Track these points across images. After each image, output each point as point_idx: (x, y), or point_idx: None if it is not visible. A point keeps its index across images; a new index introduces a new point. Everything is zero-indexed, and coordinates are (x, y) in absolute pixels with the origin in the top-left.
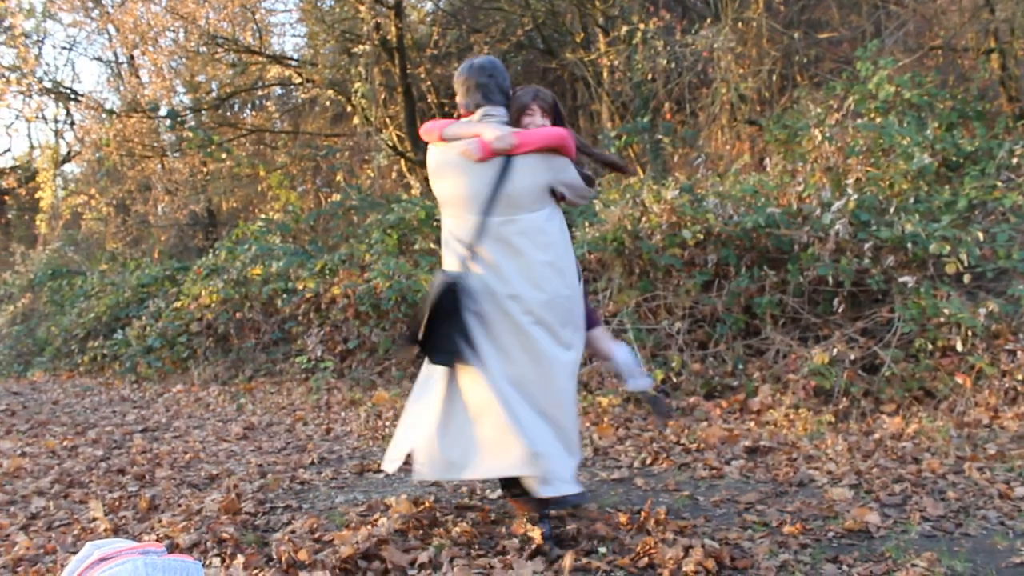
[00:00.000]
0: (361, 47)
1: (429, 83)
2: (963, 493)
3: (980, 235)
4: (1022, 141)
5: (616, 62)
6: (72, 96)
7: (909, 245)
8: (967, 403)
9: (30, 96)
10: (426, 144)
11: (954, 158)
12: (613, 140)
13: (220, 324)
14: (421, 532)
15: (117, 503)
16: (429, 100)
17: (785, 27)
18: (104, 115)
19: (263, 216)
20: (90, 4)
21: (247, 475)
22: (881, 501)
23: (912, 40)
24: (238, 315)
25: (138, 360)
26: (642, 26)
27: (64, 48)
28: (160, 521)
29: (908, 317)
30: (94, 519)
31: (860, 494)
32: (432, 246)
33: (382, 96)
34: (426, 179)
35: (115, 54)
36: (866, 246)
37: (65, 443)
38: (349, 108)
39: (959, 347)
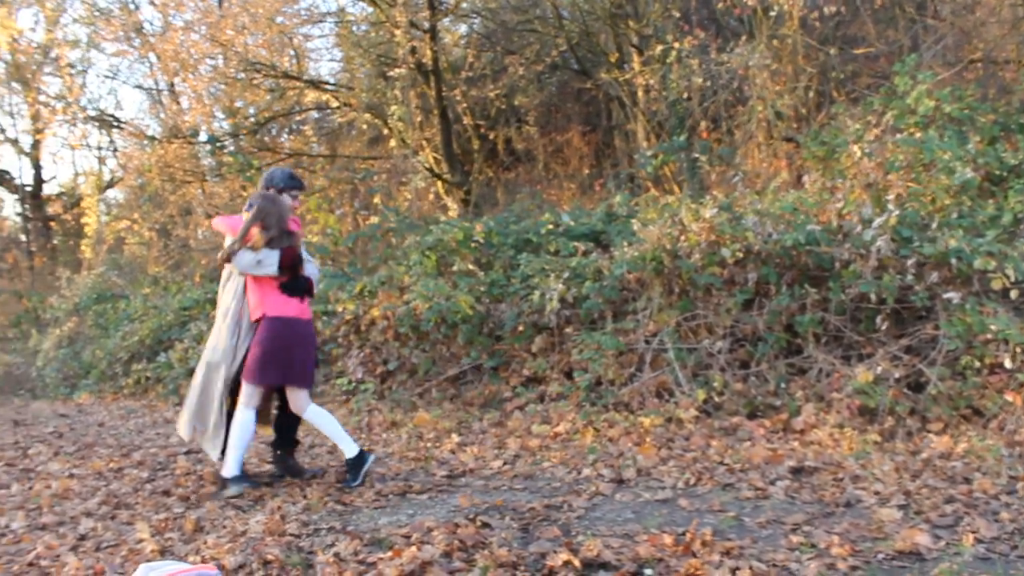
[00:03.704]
0: (397, 70)
1: (464, 105)
2: (1017, 514)
3: None
4: None
5: (651, 81)
6: (115, 124)
7: (953, 261)
8: (1018, 421)
9: (75, 124)
10: (462, 165)
11: (997, 172)
12: (649, 159)
13: None
14: (465, 554)
15: (163, 524)
16: (465, 122)
17: (820, 43)
18: (146, 142)
19: (302, 239)
20: (132, 34)
21: (290, 496)
22: (932, 522)
23: (951, 54)
24: None
25: (181, 382)
26: (676, 45)
27: (107, 77)
28: (206, 542)
29: (954, 334)
30: (141, 540)
31: (909, 515)
32: (470, 267)
33: (418, 119)
34: (463, 200)
35: (156, 82)
36: (909, 262)
37: (111, 465)
38: (386, 131)
39: (1008, 364)
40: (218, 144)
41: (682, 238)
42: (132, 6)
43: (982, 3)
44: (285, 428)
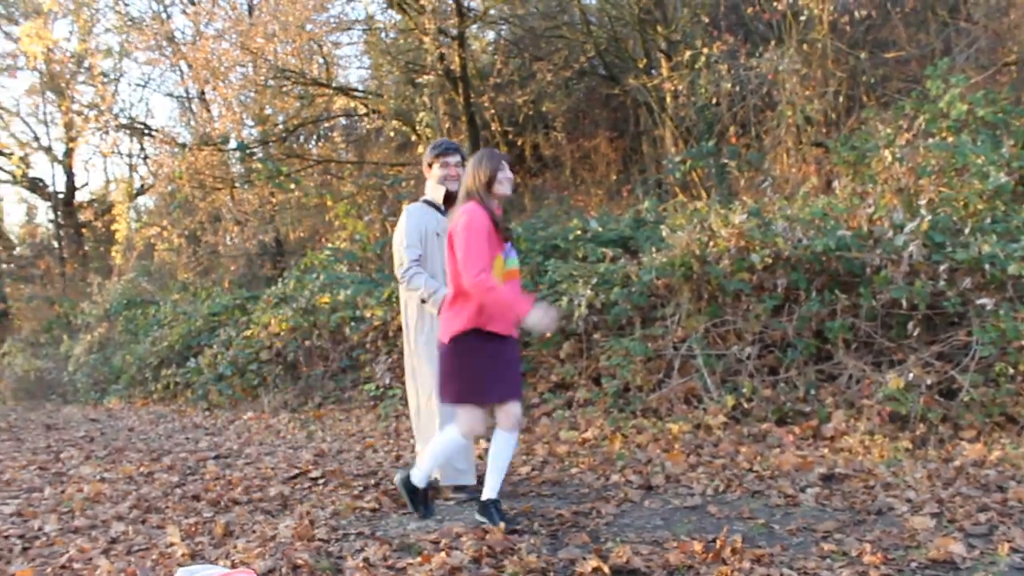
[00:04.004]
0: (425, 77)
1: (493, 111)
2: None
3: None
4: None
5: (679, 87)
6: (146, 131)
7: (987, 266)
8: None
9: (107, 132)
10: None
11: None
12: (678, 165)
13: (289, 352)
14: (494, 560)
15: (193, 528)
16: (493, 128)
17: (850, 47)
18: (176, 149)
19: (330, 245)
20: (164, 43)
21: (319, 502)
22: (965, 531)
23: (984, 57)
24: (307, 343)
25: (210, 388)
26: (705, 50)
27: (139, 85)
28: (235, 547)
29: (987, 340)
30: (171, 544)
31: (943, 523)
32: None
33: (446, 125)
34: None
35: (187, 90)
36: (941, 268)
37: (141, 469)
38: (414, 137)
39: None
40: (248, 151)
41: (711, 244)
42: (164, 15)
43: (1016, 5)
44: None
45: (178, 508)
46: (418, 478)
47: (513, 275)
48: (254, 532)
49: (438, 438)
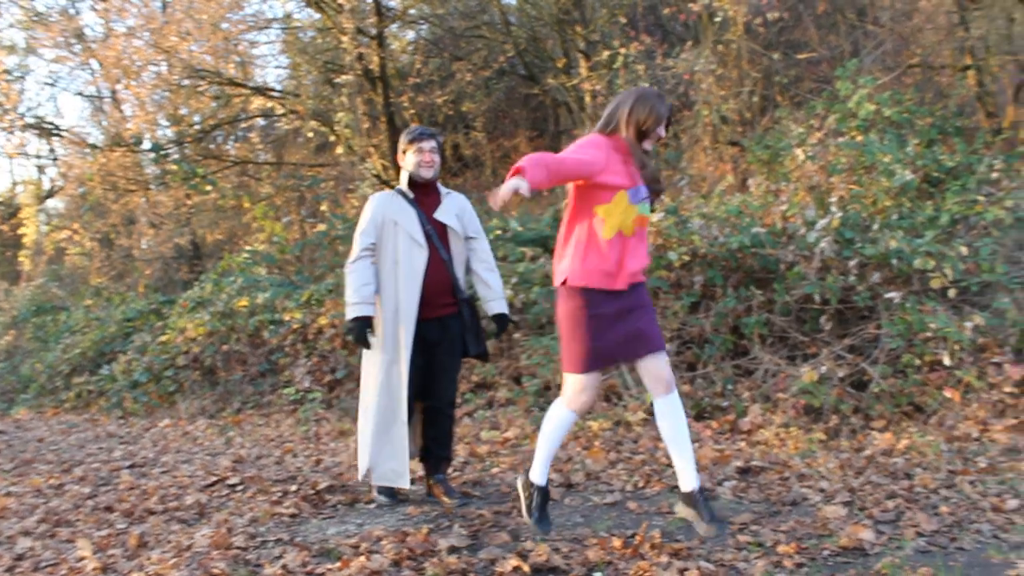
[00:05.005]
0: (344, 77)
1: (412, 111)
2: (956, 507)
3: (964, 249)
4: (1001, 156)
5: (598, 87)
6: (55, 131)
7: (894, 261)
8: (956, 417)
9: (12, 132)
10: None
11: (935, 174)
12: None
13: (207, 357)
14: (414, 563)
15: (105, 541)
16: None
17: (764, 48)
18: (87, 150)
19: (248, 248)
20: (73, 39)
21: (237, 509)
22: (875, 518)
23: (890, 59)
24: (225, 347)
25: (124, 395)
26: (623, 50)
27: (46, 83)
28: (150, 558)
29: (895, 333)
30: (82, 559)
31: (853, 511)
32: None
33: (365, 125)
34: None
35: (98, 89)
36: (851, 263)
37: (51, 481)
38: (332, 138)
39: (947, 361)
40: (162, 152)
41: None
42: (72, 11)
43: (919, 10)
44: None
45: (90, 520)
46: (536, 475)
47: (643, 222)
48: (169, 542)
49: (547, 421)
